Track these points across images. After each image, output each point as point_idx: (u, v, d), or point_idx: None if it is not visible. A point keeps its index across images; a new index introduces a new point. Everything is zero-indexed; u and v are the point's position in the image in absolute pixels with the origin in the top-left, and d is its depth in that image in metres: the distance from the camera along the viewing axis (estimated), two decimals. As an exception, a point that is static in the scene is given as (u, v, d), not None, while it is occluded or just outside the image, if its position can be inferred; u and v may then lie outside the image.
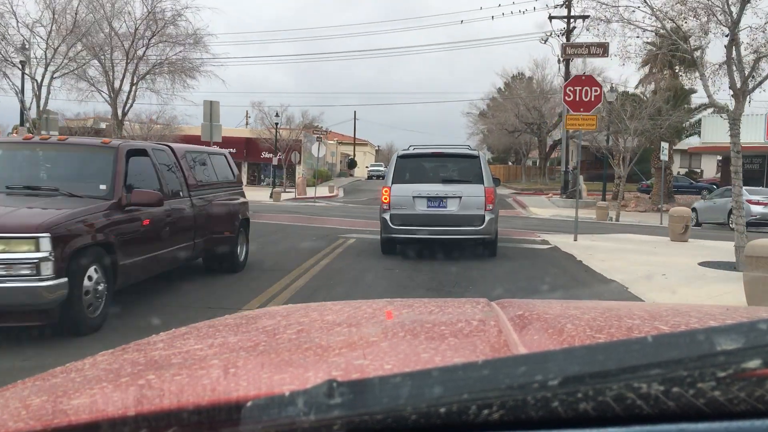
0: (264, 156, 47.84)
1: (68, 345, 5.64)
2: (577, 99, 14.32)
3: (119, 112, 22.79)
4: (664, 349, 0.64)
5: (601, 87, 14.58)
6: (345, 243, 13.46)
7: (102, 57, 22.19)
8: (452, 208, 11.00)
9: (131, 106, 23.04)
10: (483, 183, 11.09)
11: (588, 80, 14.91)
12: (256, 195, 38.15)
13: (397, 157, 11.70)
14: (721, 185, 40.12)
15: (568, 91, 14.49)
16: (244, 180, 50.16)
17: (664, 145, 25.47)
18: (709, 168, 50.58)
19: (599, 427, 0.67)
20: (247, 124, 51.73)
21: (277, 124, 45.48)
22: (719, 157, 51.38)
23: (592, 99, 14.27)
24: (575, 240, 14.47)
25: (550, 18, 36.48)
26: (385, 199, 11.17)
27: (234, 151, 48.49)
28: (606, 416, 0.66)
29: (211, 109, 23.34)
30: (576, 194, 17.36)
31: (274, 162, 43.43)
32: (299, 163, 44.10)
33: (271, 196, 34.59)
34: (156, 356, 1.15)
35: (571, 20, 36.06)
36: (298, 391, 0.66)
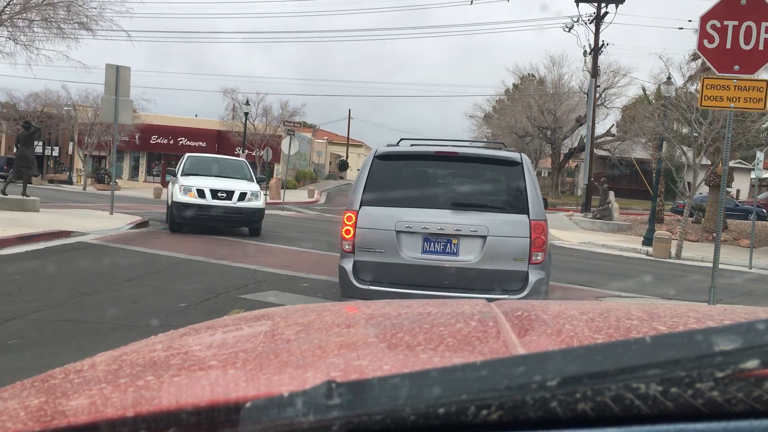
0: (237, 152, 42.13)
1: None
2: (728, 46, 7.20)
3: None
4: (662, 350, 0.65)
5: None
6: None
7: None
8: (469, 256, 6.30)
9: None
10: (527, 212, 6.30)
11: (753, 6, 7.23)
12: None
13: (375, 157, 6.69)
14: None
15: (708, 29, 7.26)
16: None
17: (760, 155, 19.05)
18: (743, 188, 45.73)
19: (598, 428, 0.67)
20: (233, 116, 46.63)
21: (246, 113, 39.17)
22: (753, 176, 46.69)
23: (761, 47, 7.16)
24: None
25: (577, 1, 32.17)
26: (348, 232, 6.40)
27: (204, 144, 44.60)
28: (604, 416, 0.66)
29: (117, 77, 16.23)
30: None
31: (242, 158, 39.17)
32: (273, 160, 39.28)
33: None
34: (155, 357, 1.16)
35: (602, 5, 32.17)
36: (297, 392, 0.66)
